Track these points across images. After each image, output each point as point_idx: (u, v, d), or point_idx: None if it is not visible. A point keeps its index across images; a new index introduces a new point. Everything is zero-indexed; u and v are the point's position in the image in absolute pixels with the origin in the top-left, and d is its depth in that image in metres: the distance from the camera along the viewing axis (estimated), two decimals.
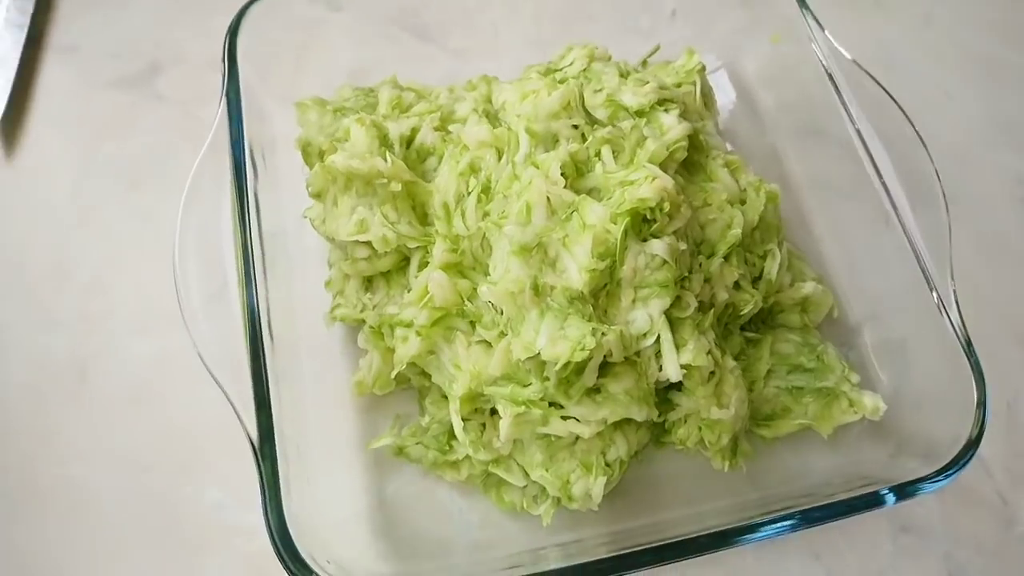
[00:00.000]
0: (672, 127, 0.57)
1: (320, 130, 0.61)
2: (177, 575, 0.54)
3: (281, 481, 0.46)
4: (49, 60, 0.74)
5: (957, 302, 0.55)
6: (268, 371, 0.49)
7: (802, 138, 0.72)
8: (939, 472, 0.49)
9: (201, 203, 0.55)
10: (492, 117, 0.60)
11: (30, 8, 0.75)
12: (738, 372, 0.54)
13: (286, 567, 0.44)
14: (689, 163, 0.60)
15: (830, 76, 0.64)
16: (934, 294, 0.56)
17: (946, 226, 0.58)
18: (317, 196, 0.58)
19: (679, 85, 0.66)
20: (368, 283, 0.59)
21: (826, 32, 0.66)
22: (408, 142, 0.59)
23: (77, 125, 0.71)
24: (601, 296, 0.51)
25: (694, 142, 0.60)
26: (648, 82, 0.60)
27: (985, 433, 0.63)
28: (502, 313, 0.51)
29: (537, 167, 0.53)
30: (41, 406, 0.59)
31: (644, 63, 0.72)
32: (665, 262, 0.50)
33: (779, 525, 0.46)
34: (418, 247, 0.56)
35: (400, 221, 0.55)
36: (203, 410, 0.49)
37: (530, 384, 0.49)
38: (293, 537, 0.44)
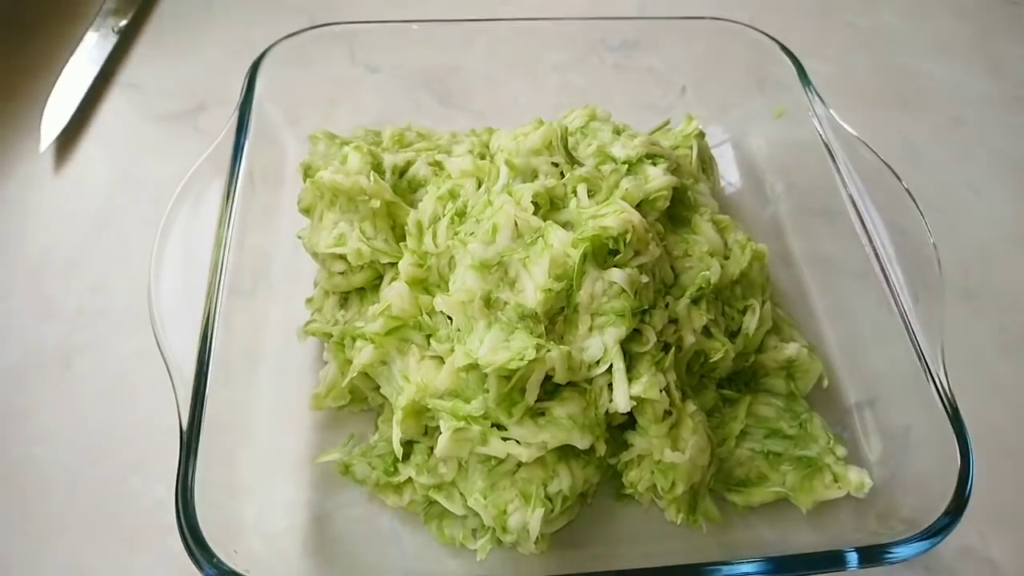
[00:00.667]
0: (656, 177, 0.58)
1: (325, 158, 0.65)
2: (107, 564, 0.53)
3: (206, 479, 0.46)
4: (113, 93, 0.83)
5: (946, 374, 0.52)
6: (214, 373, 0.49)
7: (808, 216, 0.71)
8: (912, 538, 0.43)
9: (197, 211, 0.59)
10: (484, 158, 0.62)
11: (107, 50, 0.84)
12: (700, 419, 0.51)
13: (187, 547, 0.43)
14: (674, 217, 0.61)
15: (828, 149, 0.64)
16: (922, 364, 0.52)
17: (942, 311, 0.55)
18: (306, 212, 0.61)
19: (676, 148, 0.67)
20: (344, 301, 0.60)
21: (831, 110, 0.67)
22: (402, 172, 0.62)
23: (122, 149, 0.78)
24: (559, 322, 0.50)
25: (681, 197, 0.61)
26: (638, 137, 0.62)
27: (1001, 539, 0.58)
28: (458, 329, 0.50)
29: (511, 195, 0.54)
30: (23, 388, 0.61)
31: (651, 133, 0.74)
32: (623, 291, 0.49)
33: (731, 568, 0.42)
34: (391, 265, 0.57)
35: (376, 238, 0.57)
36: (168, 412, 0.50)
37: (474, 401, 0.48)
38: (204, 529, 0.43)
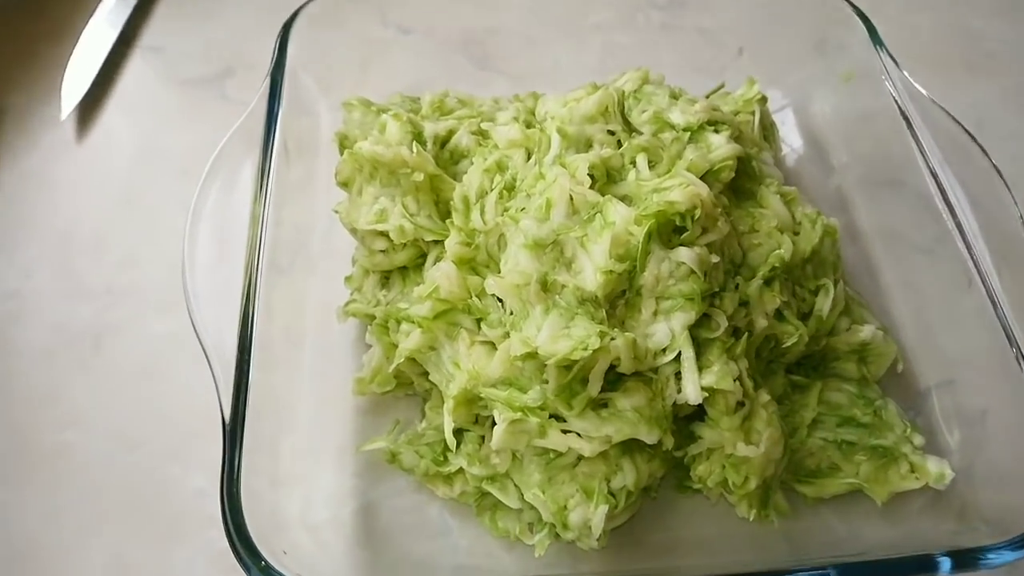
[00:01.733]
0: (720, 146, 0.54)
1: (361, 127, 0.61)
2: (145, 557, 0.51)
3: (248, 469, 0.43)
4: (135, 57, 0.79)
5: None
6: (254, 357, 0.47)
7: (875, 187, 0.67)
8: (1010, 542, 0.40)
9: (230, 185, 0.56)
10: (531, 126, 0.58)
11: (127, 12, 0.80)
12: (774, 409, 0.47)
13: (234, 550, 0.40)
14: (739, 189, 0.56)
15: (904, 115, 0.59)
16: (1016, 355, 0.48)
17: None
18: (344, 185, 0.57)
19: (736, 113, 0.63)
20: (385, 280, 0.57)
21: (904, 71, 0.62)
22: (443, 142, 0.58)
23: (146, 116, 0.75)
24: (619, 306, 0.47)
25: (745, 168, 0.56)
26: (698, 102, 0.57)
27: None
28: (511, 313, 0.47)
29: (565, 167, 0.50)
30: (53, 371, 0.59)
31: (708, 97, 0.69)
32: (692, 272, 0.45)
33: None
34: (436, 243, 0.53)
35: (420, 214, 0.53)
36: (205, 395, 0.47)
37: (531, 390, 0.45)
38: (248, 524, 0.41)
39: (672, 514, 0.51)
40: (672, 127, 0.56)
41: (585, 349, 0.42)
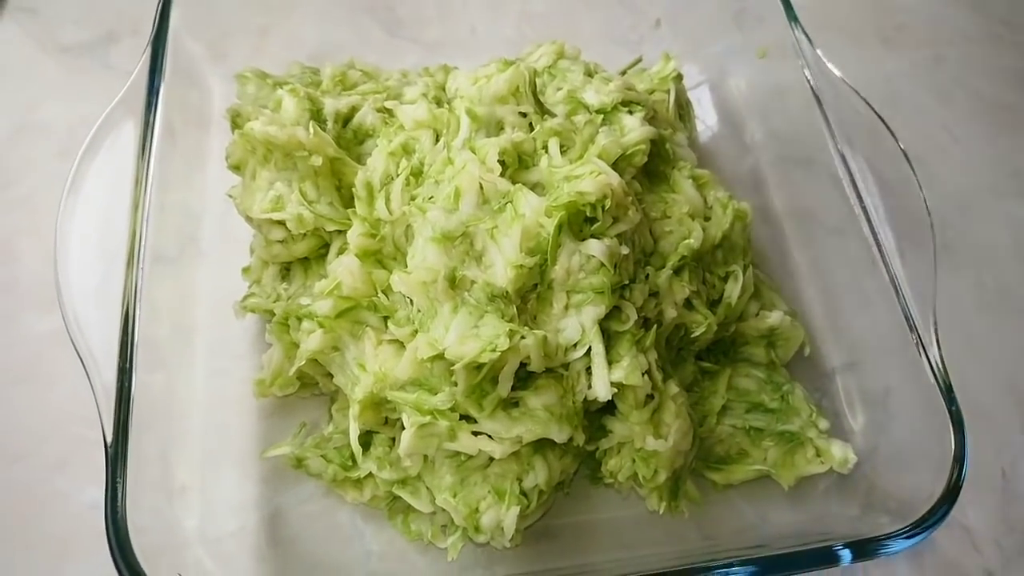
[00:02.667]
0: (633, 129, 0.52)
1: (255, 102, 0.57)
2: None
3: (141, 483, 0.41)
4: (5, 20, 0.71)
5: (939, 348, 0.49)
6: (139, 358, 0.43)
7: (788, 166, 0.67)
8: (905, 529, 0.41)
9: (112, 166, 0.51)
10: (441, 103, 0.55)
11: None
12: (683, 400, 0.47)
13: None
14: (651, 172, 0.55)
15: (816, 96, 0.59)
16: (914, 336, 0.49)
17: (933, 269, 0.52)
18: (236, 168, 0.53)
19: (651, 92, 0.61)
20: (286, 271, 0.53)
21: (817, 50, 0.61)
22: (346, 120, 0.54)
23: (19, 87, 0.68)
24: (531, 300, 0.45)
25: (659, 150, 0.55)
26: (613, 80, 0.55)
27: (975, 502, 0.57)
28: (419, 311, 0.45)
29: (474, 152, 0.47)
30: None
31: (623, 73, 0.67)
32: (602, 265, 0.44)
33: (719, 572, 0.40)
34: (339, 232, 0.50)
35: (320, 201, 0.50)
36: (93, 398, 0.43)
37: (440, 392, 0.43)
38: (140, 546, 0.38)
39: (585, 508, 0.50)
40: (586, 108, 0.54)
41: (494, 350, 0.41)
